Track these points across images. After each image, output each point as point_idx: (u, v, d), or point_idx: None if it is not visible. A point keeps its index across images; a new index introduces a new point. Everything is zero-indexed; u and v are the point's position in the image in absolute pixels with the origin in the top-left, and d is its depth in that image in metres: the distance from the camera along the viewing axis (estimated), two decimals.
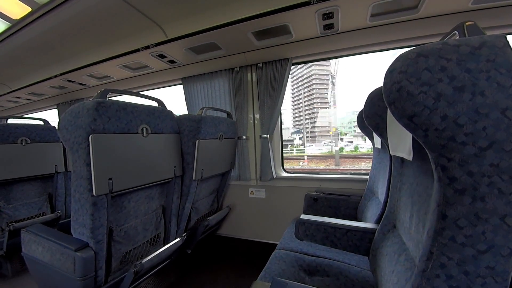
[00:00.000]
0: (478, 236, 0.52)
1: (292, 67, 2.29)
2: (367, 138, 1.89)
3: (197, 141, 1.81)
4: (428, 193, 0.79)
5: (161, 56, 2.24)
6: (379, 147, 1.64)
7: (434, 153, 0.55)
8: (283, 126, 2.72)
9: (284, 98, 2.36)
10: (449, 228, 0.54)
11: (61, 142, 2.07)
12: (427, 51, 0.54)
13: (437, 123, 0.53)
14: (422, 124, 0.54)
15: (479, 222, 0.52)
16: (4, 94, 3.36)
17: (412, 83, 0.54)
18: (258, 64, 2.35)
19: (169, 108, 1.76)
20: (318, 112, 55.16)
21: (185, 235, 1.79)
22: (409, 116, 0.56)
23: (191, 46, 2.07)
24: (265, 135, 2.38)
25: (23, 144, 2.12)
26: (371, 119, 1.19)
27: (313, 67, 57.41)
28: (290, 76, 2.28)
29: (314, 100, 57.55)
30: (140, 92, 1.79)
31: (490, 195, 0.51)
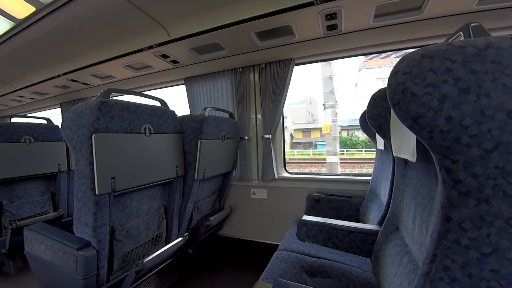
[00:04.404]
0: (483, 239, 0.52)
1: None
2: None
3: (199, 141, 1.81)
4: (431, 195, 0.78)
5: (164, 56, 2.25)
6: (382, 148, 1.63)
7: (439, 155, 0.55)
8: None
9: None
10: (453, 230, 0.54)
11: (64, 141, 2.09)
12: (432, 52, 0.54)
13: (442, 125, 0.52)
14: (426, 125, 0.54)
15: (483, 225, 0.52)
16: (8, 93, 3.38)
17: (417, 84, 0.54)
18: (261, 65, 2.35)
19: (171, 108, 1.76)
20: None
21: (186, 235, 1.79)
22: (414, 118, 0.55)
23: (194, 46, 2.07)
24: (267, 136, 2.38)
25: (27, 143, 2.13)
26: (374, 120, 1.18)
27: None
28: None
29: None
30: (143, 92, 1.80)
31: (495, 197, 0.50)
